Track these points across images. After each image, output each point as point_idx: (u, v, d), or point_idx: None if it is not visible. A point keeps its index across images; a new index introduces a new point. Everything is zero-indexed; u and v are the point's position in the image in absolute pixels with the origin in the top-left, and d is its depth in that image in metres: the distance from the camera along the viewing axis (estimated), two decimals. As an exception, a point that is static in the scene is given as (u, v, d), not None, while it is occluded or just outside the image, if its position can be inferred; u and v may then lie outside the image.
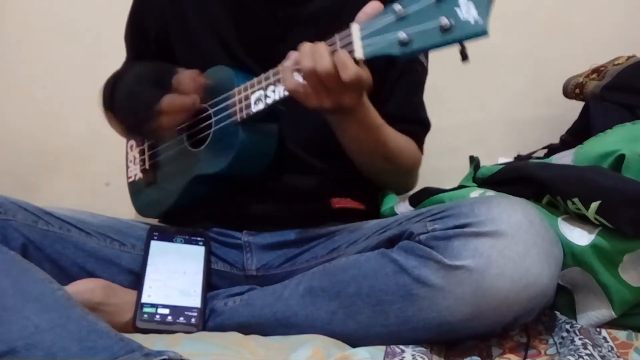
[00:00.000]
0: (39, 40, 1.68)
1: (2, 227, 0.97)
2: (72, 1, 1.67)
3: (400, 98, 1.12)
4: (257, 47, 1.10)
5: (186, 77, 1.03)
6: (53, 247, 1.02)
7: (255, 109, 0.98)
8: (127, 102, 1.07)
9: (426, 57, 1.16)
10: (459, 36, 0.77)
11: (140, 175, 1.20)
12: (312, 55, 0.88)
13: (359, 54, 0.85)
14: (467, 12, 0.76)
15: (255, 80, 0.98)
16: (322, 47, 0.88)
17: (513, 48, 1.53)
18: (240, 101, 1.00)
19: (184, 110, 1.02)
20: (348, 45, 0.87)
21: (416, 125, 1.18)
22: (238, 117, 1.00)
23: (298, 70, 0.90)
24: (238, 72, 1.05)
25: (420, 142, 1.19)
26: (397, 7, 0.81)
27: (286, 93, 0.94)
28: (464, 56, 0.79)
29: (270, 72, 0.96)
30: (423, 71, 1.17)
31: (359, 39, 0.85)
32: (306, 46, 0.89)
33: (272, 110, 0.99)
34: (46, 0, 1.68)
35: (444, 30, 0.77)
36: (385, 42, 0.82)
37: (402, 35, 0.80)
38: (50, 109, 1.68)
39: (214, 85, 1.05)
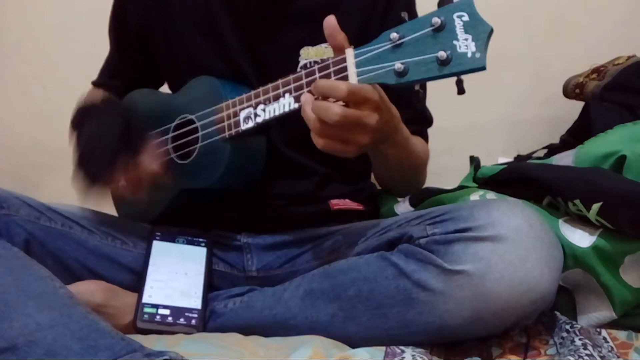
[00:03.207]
0: (39, 40, 1.68)
1: (5, 222, 0.97)
2: (72, 1, 1.67)
3: (405, 103, 1.10)
4: (246, 44, 1.08)
5: (146, 170, 0.99)
6: (55, 243, 1.02)
7: (244, 127, 0.96)
8: (80, 161, 1.00)
9: None
10: (456, 70, 0.75)
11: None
12: (319, 115, 0.83)
13: (353, 81, 0.83)
14: (465, 45, 0.75)
15: (244, 96, 0.96)
16: (323, 104, 0.82)
17: (513, 48, 1.53)
18: (228, 117, 0.98)
19: (143, 185, 1.00)
20: (342, 71, 0.84)
21: (422, 124, 1.17)
22: (226, 134, 0.98)
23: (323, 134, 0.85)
24: (225, 83, 1.02)
25: (426, 137, 1.18)
26: (393, 34, 0.79)
27: (277, 113, 0.91)
28: (460, 90, 0.78)
29: (260, 89, 0.94)
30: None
31: (354, 66, 0.83)
32: (310, 119, 0.84)
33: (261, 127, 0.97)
34: (46, 0, 1.68)
35: (441, 62, 0.76)
36: (381, 71, 0.80)
37: (398, 65, 0.78)
38: (50, 109, 1.67)
39: (202, 96, 1.04)
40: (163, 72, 1.18)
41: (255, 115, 0.94)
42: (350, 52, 0.84)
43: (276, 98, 0.91)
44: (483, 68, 0.74)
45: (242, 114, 0.96)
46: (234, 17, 1.08)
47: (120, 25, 1.17)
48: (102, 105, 1.08)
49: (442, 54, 0.75)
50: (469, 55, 0.74)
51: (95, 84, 1.25)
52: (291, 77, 0.90)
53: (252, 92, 0.95)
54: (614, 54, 1.35)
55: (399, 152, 1.00)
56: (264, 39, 1.06)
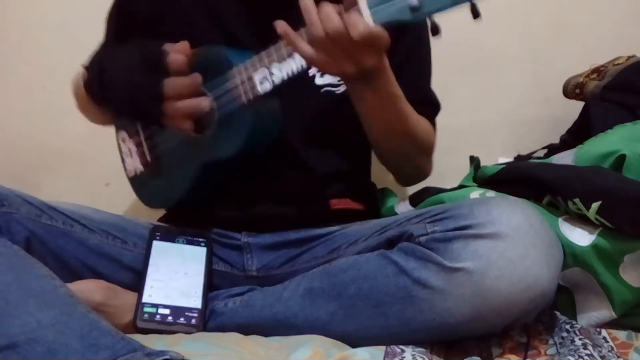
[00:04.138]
0: (39, 40, 1.68)
1: (6, 220, 0.97)
2: (72, 1, 1.66)
3: (409, 81, 1.09)
4: (254, 26, 1.08)
5: (179, 55, 0.98)
6: (56, 241, 1.02)
7: (261, 89, 0.95)
8: (127, 95, 1.01)
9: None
10: None
11: (141, 168, 1.19)
12: (321, 19, 0.86)
13: (369, 22, 0.84)
14: None
15: (255, 58, 0.95)
16: (328, 8, 0.86)
17: (513, 48, 1.53)
18: (242, 82, 0.97)
19: (191, 91, 0.97)
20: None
21: (428, 106, 1.17)
22: (244, 98, 0.97)
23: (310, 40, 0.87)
24: (232, 51, 1.01)
25: (433, 123, 1.18)
26: None
27: (294, 70, 0.91)
28: (475, 14, 0.80)
29: (272, 48, 0.93)
30: (428, 54, 1.17)
31: (367, 8, 0.84)
32: (312, 13, 0.87)
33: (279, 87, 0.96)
34: (46, 0, 1.68)
35: None
36: (395, 8, 0.82)
37: (412, 1, 0.80)
38: (50, 109, 1.67)
39: (209, 67, 1.01)
40: None
41: (271, 74, 0.93)
42: None
43: (290, 54, 0.91)
44: None
45: (257, 77, 0.95)
46: (241, 6, 1.08)
47: (126, 17, 1.17)
48: (108, 52, 1.11)
49: None
50: None
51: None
52: (302, 30, 0.89)
53: (264, 52, 0.94)
54: (614, 54, 1.35)
55: (383, 104, 1.01)
56: (270, 20, 1.06)
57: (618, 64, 1.30)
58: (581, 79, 1.34)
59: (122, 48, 1.07)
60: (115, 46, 1.15)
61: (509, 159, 1.32)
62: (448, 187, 1.14)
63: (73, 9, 1.65)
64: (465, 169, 1.20)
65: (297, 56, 0.91)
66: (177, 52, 0.98)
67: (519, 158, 1.32)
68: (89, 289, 0.98)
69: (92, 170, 1.67)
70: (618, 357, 0.85)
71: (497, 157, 1.31)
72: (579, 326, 0.92)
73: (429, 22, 0.82)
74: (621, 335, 0.90)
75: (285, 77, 0.93)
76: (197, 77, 0.97)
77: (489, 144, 1.55)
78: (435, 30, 0.82)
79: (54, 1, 1.67)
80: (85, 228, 1.05)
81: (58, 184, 1.68)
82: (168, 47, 0.99)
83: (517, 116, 1.56)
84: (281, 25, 0.89)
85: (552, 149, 1.25)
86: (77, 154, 1.67)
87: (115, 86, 1.03)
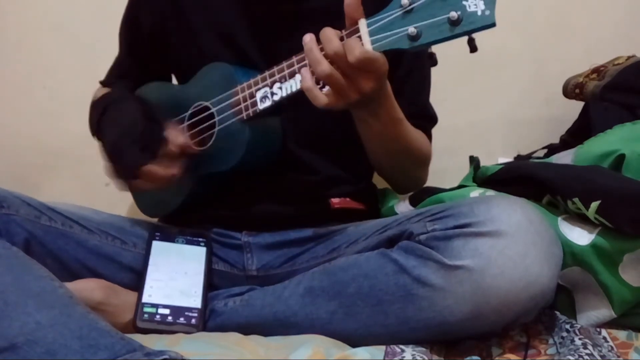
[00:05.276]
0: (39, 40, 1.68)
1: (5, 221, 0.97)
2: (72, 1, 1.66)
3: (410, 95, 1.12)
4: (261, 43, 1.09)
5: (174, 143, 1.02)
6: (55, 242, 1.02)
7: (262, 106, 0.98)
8: (112, 154, 1.04)
9: None
10: (468, 28, 0.78)
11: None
12: (322, 40, 0.87)
13: (367, 47, 0.86)
14: (474, 4, 0.78)
15: (259, 77, 0.99)
16: (329, 32, 0.87)
17: (513, 48, 1.53)
18: (244, 99, 1.00)
19: (163, 182, 1.02)
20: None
21: (425, 120, 1.18)
22: (244, 115, 1.01)
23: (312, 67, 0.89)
24: (237, 69, 1.05)
25: (429, 136, 1.19)
26: (403, 1, 0.82)
27: (294, 90, 0.94)
28: (473, 48, 0.81)
29: (275, 69, 0.96)
30: (429, 67, 1.18)
31: (367, 35, 0.86)
32: (315, 52, 0.88)
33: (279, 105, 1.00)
34: (46, 0, 1.68)
35: (452, 22, 0.79)
36: (395, 37, 0.83)
37: (411, 29, 0.81)
38: (50, 109, 1.67)
39: (214, 83, 1.05)
40: (175, 72, 1.20)
41: (272, 94, 0.97)
42: (362, 22, 0.86)
43: (292, 75, 0.94)
44: (493, 25, 0.77)
45: (259, 94, 0.99)
46: (249, 16, 1.09)
47: (133, 28, 1.19)
48: (118, 98, 1.11)
49: (453, 15, 0.78)
50: (479, 13, 0.77)
51: (104, 83, 1.26)
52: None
53: (267, 73, 0.97)
54: (614, 54, 1.35)
55: (386, 128, 1.01)
56: (277, 38, 1.08)
57: (618, 64, 1.30)
58: (581, 79, 1.34)
59: (126, 106, 1.09)
60: (120, 97, 1.15)
61: (509, 159, 1.32)
62: (448, 187, 1.14)
63: (73, 9, 1.65)
64: (465, 169, 1.20)
65: (298, 77, 0.94)
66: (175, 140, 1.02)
67: (519, 158, 1.32)
68: (88, 287, 0.98)
69: (92, 170, 1.65)
70: (618, 357, 0.85)
71: (497, 157, 1.31)
72: (578, 326, 0.92)
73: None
74: (621, 335, 0.90)
75: (285, 95, 0.96)
76: (176, 173, 1.02)
77: (489, 144, 1.55)
78: (432, 60, 0.85)
79: (54, 1, 1.67)
80: (85, 229, 1.05)
81: (58, 184, 1.68)
82: (168, 127, 1.03)
83: (517, 116, 1.56)
84: (306, 72, 0.90)
85: (552, 149, 1.25)
86: (77, 154, 1.67)
87: (106, 138, 1.07)
